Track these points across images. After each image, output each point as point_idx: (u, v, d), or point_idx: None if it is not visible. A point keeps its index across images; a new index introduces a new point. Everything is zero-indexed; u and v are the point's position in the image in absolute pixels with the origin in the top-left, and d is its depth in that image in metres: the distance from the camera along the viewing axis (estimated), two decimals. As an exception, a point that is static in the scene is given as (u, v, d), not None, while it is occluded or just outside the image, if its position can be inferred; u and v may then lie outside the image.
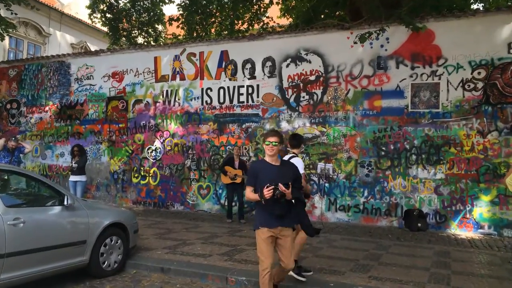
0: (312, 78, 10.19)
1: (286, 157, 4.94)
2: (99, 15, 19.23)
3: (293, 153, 5.13)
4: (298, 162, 4.71)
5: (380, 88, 9.60)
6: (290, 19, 16.07)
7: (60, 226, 4.69)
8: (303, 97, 10.25)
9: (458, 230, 8.80)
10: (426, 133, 9.18)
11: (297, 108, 10.29)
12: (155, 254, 6.08)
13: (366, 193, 9.54)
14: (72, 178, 9.35)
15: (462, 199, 8.84)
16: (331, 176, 9.25)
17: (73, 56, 13.09)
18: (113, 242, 5.36)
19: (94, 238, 5.05)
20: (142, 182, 11.68)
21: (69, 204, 4.77)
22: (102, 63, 12.44)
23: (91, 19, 19.78)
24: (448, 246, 7.43)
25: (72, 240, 4.77)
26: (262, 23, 17.75)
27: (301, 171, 4.59)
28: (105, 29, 19.98)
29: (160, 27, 20.45)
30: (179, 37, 18.00)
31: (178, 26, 18.05)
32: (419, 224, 8.83)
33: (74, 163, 9.29)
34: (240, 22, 17.86)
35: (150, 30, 19.56)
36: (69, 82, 12.85)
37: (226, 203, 10.08)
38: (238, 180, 9.47)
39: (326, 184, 9.91)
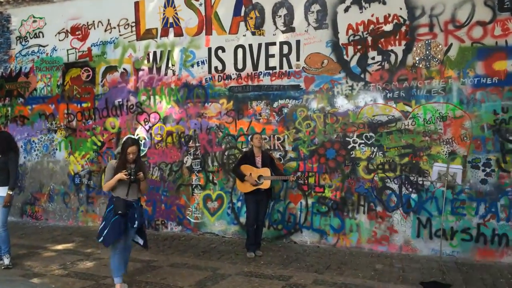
0: (388, 28, 6.51)
1: None
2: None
3: None
4: None
5: (504, 42, 6.00)
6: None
7: None
8: (373, 58, 6.58)
9: None
10: None
11: (362, 75, 6.61)
12: None
13: (482, 210, 5.99)
14: None
15: None
16: (457, 184, 5.57)
17: (13, 4, 9.07)
18: None
19: None
20: (118, 189, 7.86)
21: None
22: (56, 13, 8.62)
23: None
24: None
25: None
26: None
27: None
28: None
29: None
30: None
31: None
32: None
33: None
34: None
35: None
36: (8, 42, 9.06)
37: (246, 224, 6.36)
38: (265, 185, 5.91)
39: (413, 196, 6.29)
